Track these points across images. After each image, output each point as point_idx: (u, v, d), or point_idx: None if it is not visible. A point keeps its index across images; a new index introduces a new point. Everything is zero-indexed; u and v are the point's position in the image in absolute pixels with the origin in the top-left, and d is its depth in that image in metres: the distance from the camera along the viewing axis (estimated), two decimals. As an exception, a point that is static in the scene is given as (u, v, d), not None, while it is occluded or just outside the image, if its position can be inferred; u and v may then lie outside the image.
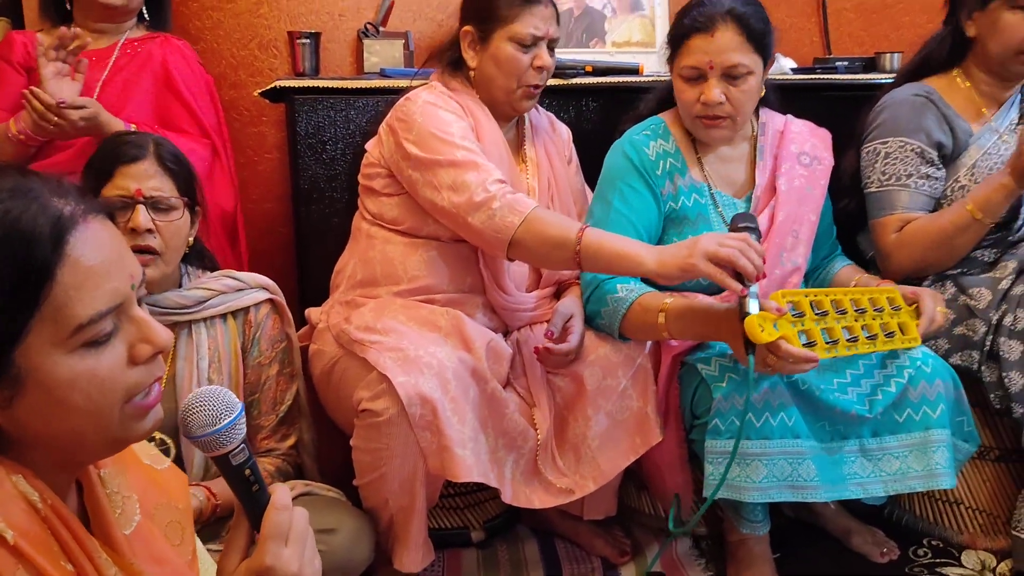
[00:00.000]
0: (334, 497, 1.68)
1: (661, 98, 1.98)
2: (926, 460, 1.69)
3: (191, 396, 0.82)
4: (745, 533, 1.79)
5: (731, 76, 1.75)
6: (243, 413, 0.82)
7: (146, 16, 2.17)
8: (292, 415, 1.74)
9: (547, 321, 1.86)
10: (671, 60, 1.84)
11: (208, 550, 1.03)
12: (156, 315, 1.53)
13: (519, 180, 1.90)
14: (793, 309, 1.61)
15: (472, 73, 1.89)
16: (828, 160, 1.95)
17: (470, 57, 1.88)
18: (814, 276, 2.05)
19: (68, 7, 2.09)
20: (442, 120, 1.77)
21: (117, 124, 1.96)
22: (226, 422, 0.81)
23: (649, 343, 1.78)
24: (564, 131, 2.10)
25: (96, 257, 0.74)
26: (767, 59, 1.81)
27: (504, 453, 1.72)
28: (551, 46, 1.87)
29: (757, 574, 1.79)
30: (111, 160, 1.55)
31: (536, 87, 1.86)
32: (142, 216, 1.52)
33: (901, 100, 2.02)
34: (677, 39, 1.80)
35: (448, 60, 1.92)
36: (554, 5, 1.87)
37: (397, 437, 1.57)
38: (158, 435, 1.56)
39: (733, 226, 1.61)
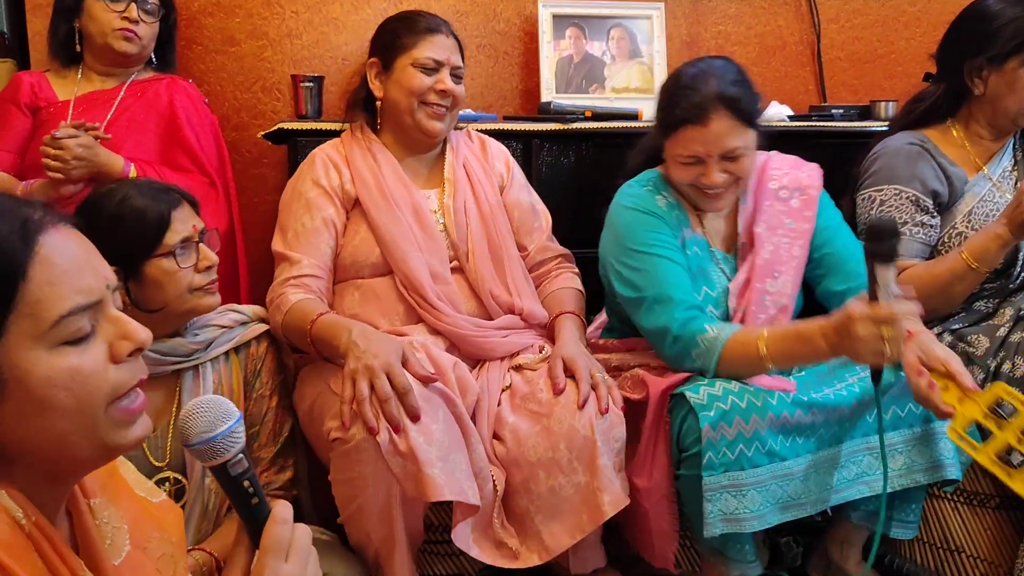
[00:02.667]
0: (327, 540, 1.67)
1: (649, 154, 1.94)
2: (929, 452, 1.68)
3: (189, 404, 0.82)
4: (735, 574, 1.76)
5: (729, 158, 1.74)
6: (241, 421, 0.82)
7: (153, 59, 2.21)
8: (289, 447, 1.75)
9: (506, 356, 1.88)
10: (662, 137, 1.81)
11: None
12: (170, 363, 1.55)
13: (424, 203, 1.94)
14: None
15: (379, 104, 1.97)
16: (814, 190, 1.89)
17: (376, 87, 1.97)
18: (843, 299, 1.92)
19: (78, 49, 2.13)
20: (295, 192, 1.93)
21: (116, 160, 1.98)
22: (223, 428, 0.80)
23: (589, 413, 1.68)
24: (496, 151, 2.12)
25: (67, 255, 0.76)
26: (758, 127, 1.80)
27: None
28: (456, 75, 1.94)
29: None
30: (163, 210, 1.56)
31: (440, 107, 1.92)
32: (211, 251, 1.60)
33: (896, 148, 2.04)
34: (669, 127, 1.77)
35: (358, 99, 2.02)
36: (456, 38, 1.97)
37: (368, 463, 1.55)
38: (172, 475, 1.56)
39: (873, 247, 1.45)
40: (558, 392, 1.70)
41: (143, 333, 0.80)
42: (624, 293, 1.80)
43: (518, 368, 1.86)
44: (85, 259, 0.78)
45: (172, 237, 1.54)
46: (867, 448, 1.71)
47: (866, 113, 2.57)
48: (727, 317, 1.83)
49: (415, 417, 1.55)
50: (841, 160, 2.19)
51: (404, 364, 1.60)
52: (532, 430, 1.70)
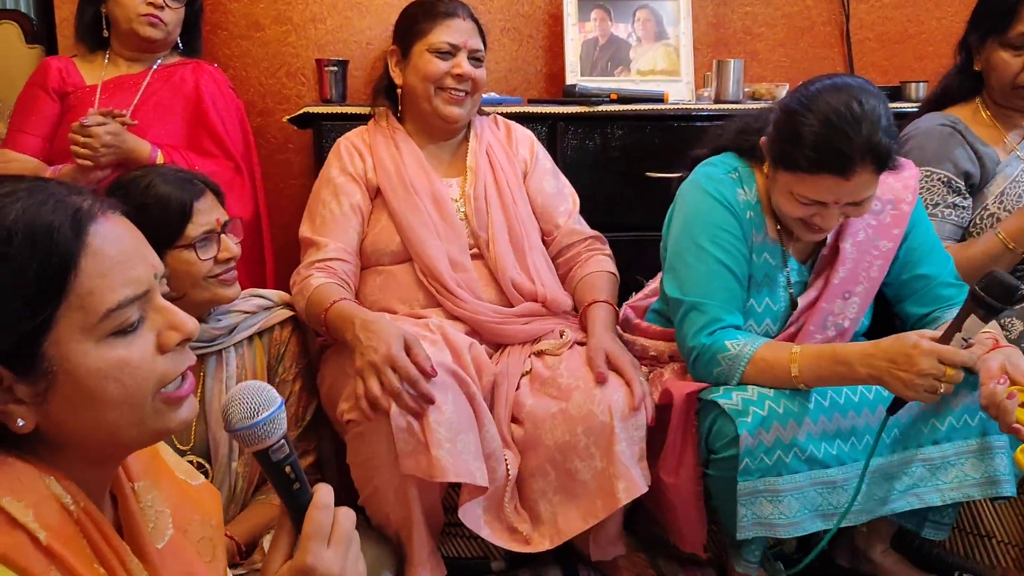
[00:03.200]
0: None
1: (740, 144, 1.77)
2: (983, 467, 1.61)
3: (233, 390, 0.82)
4: (739, 572, 1.74)
5: (855, 204, 1.59)
6: (283, 408, 0.82)
7: (179, 44, 2.21)
8: (311, 431, 1.77)
9: (527, 342, 1.87)
10: (779, 167, 1.61)
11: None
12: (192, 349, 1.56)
13: (445, 191, 1.94)
14: None
15: (400, 92, 1.98)
16: (907, 204, 1.73)
17: (396, 75, 1.98)
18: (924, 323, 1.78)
19: (105, 35, 2.14)
20: (324, 180, 1.94)
21: (143, 146, 1.99)
22: (265, 415, 0.80)
23: (608, 399, 1.66)
24: (521, 137, 2.09)
25: (117, 246, 0.75)
26: None
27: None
28: (475, 58, 1.94)
29: None
30: (185, 200, 1.55)
31: (458, 92, 1.92)
32: (233, 242, 1.59)
33: (927, 130, 2.01)
34: (798, 167, 1.56)
35: (381, 87, 2.04)
36: (474, 20, 1.98)
37: (380, 444, 1.56)
38: (197, 459, 1.58)
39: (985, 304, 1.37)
40: (601, 381, 1.68)
41: (191, 324, 0.79)
42: (669, 291, 1.73)
43: (539, 354, 1.85)
44: (135, 249, 0.77)
45: (194, 230, 1.53)
46: (921, 459, 1.63)
47: (896, 94, 2.54)
48: (783, 330, 1.75)
49: (430, 401, 1.55)
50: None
51: (407, 352, 1.58)
52: (550, 413, 1.69)
